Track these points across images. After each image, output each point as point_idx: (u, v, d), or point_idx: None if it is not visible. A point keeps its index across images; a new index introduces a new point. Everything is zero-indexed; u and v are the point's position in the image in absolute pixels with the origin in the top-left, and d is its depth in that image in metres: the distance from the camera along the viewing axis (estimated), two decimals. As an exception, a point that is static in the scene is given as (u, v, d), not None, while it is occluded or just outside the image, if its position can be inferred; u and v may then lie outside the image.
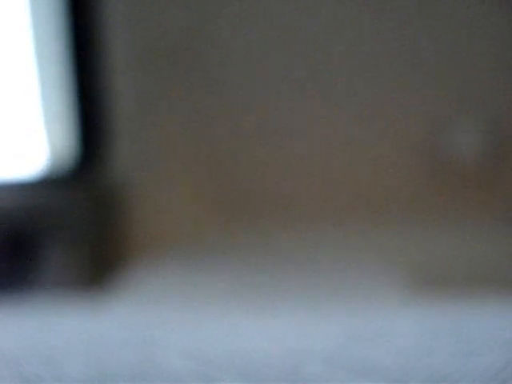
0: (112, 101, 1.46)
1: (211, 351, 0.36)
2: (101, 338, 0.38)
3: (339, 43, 1.45)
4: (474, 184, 1.48)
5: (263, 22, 1.46)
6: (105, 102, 1.46)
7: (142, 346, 0.36)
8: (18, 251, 1.08)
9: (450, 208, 1.49)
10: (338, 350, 0.35)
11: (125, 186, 1.53)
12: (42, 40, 1.40)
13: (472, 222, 1.47)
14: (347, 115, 1.48)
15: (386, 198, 1.50)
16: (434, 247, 1.48)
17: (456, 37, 1.41)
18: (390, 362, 0.32)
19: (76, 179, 1.37)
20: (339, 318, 0.46)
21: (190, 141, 1.55)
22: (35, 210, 1.14)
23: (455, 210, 1.49)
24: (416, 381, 0.30)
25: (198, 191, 1.57)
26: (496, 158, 1.47)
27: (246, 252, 1.34)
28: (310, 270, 1.12)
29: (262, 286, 1.04)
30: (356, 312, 0.54)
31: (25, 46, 1.37)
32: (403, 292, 0.98)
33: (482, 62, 1.41)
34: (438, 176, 1.49)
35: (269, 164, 1.53)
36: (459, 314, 0.43)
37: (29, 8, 1.36)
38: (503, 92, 1.43)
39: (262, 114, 1.51)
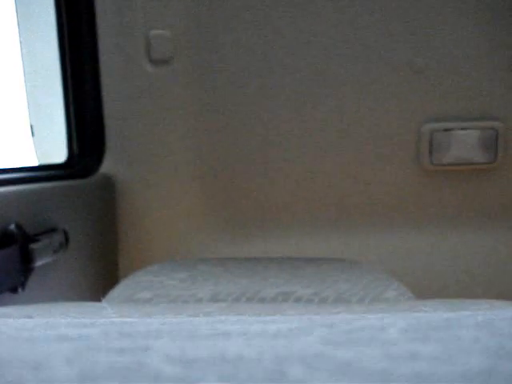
0: (108, 105, 1.46)
1: (195, 355, 0.35)
2: (87, 343, 0.38)
3: (340, 55, 1.46)
4: (473, 187, 1.49)
5: (266, 28, 1.47)
6: (99, 107, 1.46)
7: (128, 351, 0.36)
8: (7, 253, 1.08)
9: (447, 212, 1.50)
10: (320, 352, 0.35)
11: (121, 189, 1.53)
12: (33, 43, 1.40)
13: (470, 225, 1.48)
14: (344, 122, 1.49)
15: (383, 203, 1.51)
16: (425, 253, 1.49)
17: (452, 42, 1.42)
18: (376, 365, 0.32)
19: (68, 181, 1.37)
20: (323, 321, 0.45)
21: (187, 146, 1.55)
22: (29, 210, 1.14)
23: (453, 214, 1.49)
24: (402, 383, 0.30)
25: (196, 198, 1.57)
26: (494, 164, 1.48)
27: (241, 258, 1.34)
28: (301, 275, 1.12)
29: (249, 288, 1.04)
30: (341, 315, 0.54)
31: (17, 51, 1.37)
32: (392, 296, 0.99)
33: (479, 64, 1.42)
34: (436, 181, 1.50)
35: (267, 172, 1.54)
36: (447, 318, 0.43)
37: (19, 9, 1.36)
38: (500, 93, 1.43)
39: (259, 122, 1.52)
